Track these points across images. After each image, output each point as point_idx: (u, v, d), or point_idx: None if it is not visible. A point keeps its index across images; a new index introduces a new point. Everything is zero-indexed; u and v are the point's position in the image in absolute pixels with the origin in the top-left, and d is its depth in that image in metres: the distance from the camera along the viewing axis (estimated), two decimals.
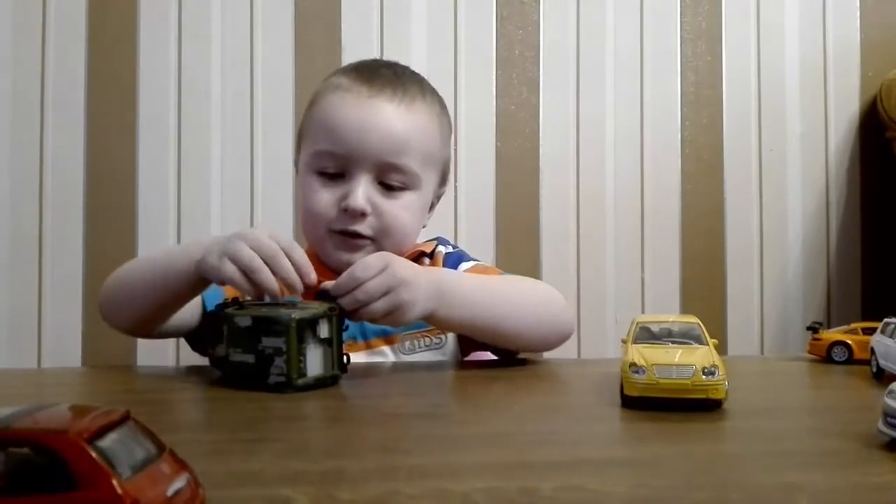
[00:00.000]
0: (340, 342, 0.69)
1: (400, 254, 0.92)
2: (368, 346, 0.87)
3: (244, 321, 0.66)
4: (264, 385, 0.65)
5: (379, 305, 0.69)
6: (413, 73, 0.95)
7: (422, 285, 0.72)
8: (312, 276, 0.69)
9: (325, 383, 0.67)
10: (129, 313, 0.83)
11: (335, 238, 0.88)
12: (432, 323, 0.78)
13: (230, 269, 0.68)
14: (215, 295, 0.81)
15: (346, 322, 0.70)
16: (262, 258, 0.68)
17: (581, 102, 1.44)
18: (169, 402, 0.65)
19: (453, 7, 1.41)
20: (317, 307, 0.67)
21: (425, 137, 0.90)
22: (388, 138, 0.86)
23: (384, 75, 0.90)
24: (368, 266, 0.70)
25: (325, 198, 0.88)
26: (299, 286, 0.68)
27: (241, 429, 0.54)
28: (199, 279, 0.73)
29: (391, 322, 0.72)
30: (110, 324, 0.85)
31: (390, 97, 0.88)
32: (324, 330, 0.67)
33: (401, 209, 0.88)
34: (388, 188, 0.88)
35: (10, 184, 1.31)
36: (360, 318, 0.70)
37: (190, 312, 0.84)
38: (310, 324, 0.66)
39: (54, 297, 1.31)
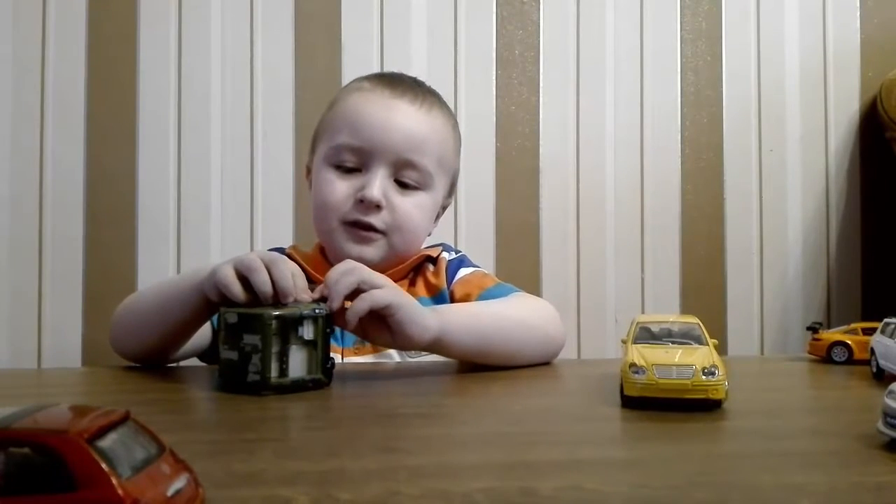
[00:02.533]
0: (326, 345, 0.68)
1: (407, 253, 0.93)
2: (376, 349, 0.87)
3: (232, 317, 0.66)
4: (244, 383, 0.64)
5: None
6: (431, 87, 0.99)
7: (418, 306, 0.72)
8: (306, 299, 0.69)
9: (304, 386, 0.65)
10: (139, 344, 0.82)
11: (347, 230, 0.90)
12: (434, 351, 0.77)
13: (227, 271, 0.68)
14: None
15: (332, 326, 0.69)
16: (263, 262, 0.68)
17: (581, 102, 1.44)
18: (169, 402, 0.65)
19: (453, 7, 1.41)
20: (303, 306, 0.66)
21: (441, 141, 0.94)
22: (408, 135, 0.89)
23: (406, 82, 0.95)
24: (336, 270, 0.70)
25: (341, 189, 0.90)
26: (291, 295, 0.67)
27: (241, 429, 0.54)
28: (204, 301, 0.72)
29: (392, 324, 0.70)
30: (122, 356, 0.84)
31: (412, 100, 0.92)
32: (308, 331, 0.66)
33: (413, 207, 0.91)
34: (402, 186, 0.91)
35: (10, 184, 1.31)
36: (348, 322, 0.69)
37: (200, 335, 0.83)
38: (292, 323, 0.65)
39: (54, 298, 1.31)
